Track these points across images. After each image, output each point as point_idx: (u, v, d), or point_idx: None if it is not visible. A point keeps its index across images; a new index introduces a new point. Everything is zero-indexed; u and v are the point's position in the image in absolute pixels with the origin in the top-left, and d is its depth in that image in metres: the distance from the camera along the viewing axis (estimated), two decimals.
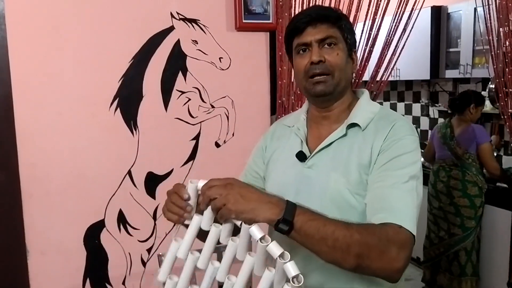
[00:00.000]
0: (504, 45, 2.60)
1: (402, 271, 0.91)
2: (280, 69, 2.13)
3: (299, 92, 2.16)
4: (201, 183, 0.99)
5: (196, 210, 1.01)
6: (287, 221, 0.87)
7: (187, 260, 0.99)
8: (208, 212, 0.97)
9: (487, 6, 2.60)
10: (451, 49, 3.79)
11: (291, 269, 0.80)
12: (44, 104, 1.86)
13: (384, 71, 2.29)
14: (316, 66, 1.09)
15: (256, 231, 0.86)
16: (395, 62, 2.29)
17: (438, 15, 3.79)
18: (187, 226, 1.01)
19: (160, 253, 1.85)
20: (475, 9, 3.49)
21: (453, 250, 3.06)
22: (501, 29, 2.64)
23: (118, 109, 1.96)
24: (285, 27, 1.23)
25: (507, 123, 2.60)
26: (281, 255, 0.82)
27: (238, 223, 0.92)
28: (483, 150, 2.99)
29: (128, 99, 1.97)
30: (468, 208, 3.01)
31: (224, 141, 2.13)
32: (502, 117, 2.64)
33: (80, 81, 1.90)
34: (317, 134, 1.18)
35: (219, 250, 1.53)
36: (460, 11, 3.67)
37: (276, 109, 2.17)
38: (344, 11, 2.07)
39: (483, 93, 3.45)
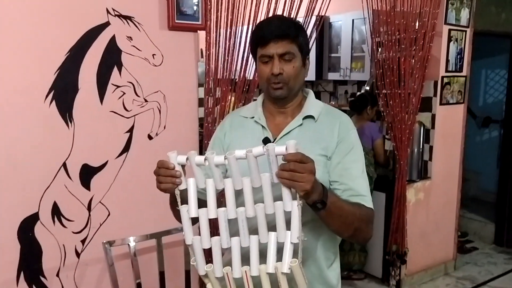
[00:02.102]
0: (381, 53, 3.14)
1: (370, 239, 1.35)
2: (207, 67, 2.32)
3: (224, 89, 2.38)
4: (181, 157, 1.18)
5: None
6: (324, 203, 1.16)
7: (200, 217, 1.18)
8: (198, 171, 1.17)
9: (370, 19, 3.09)
10: (332, 54, 4.33)
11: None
12: None
13: None
14: (276, 77, 1.33)
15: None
16: None
17: (322, 24, 4.28)
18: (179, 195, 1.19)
19: (104, 241, 1.93)
20: (353, 21, 4.06)
21: None
22: (377, 39, 3.18)
23: (54, 101, 1.96)
24: (251, 33, 1.43)
25: (386, 119, 3.14)
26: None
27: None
28: (376, 145, 3.53)
29: (63, 92, 1.98)
30: None
31: (156, 133, 2.25)
32: (382, 114, 3.17)
33: (15, 73, 1.87)
34: (274, 123, 1.42)
35: None
36: (340, 21, 4.22)
37: (204, 104, 2.36)
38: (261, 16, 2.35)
39: (357, 93, 4.03)
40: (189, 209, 1.18)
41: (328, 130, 1.36)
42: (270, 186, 1.13)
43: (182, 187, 1.18)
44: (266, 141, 1.37)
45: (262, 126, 1.41)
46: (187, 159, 1.17)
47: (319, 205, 1.16)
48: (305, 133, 1.37)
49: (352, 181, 1.33)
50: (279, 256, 1.15)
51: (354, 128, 1.41)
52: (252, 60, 2.43)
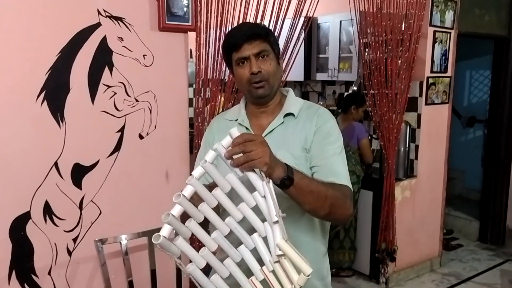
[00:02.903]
0: (369, 54, 3.20)
1: (352, 216, 1.29)
2: (197, 67, 2.36)
3: (214, 89, 2.42)
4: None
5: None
6: (290, 178, 1.15)
7: (207, 257, 1.16)
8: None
9: (357, 21, 3.15)
10: (320, 55, 4.38)
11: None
12: None
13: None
14: (256, 75, 1.37)
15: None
16: (292, 65, 2.68)
17: (310, 25, 4.33)
18: None
19: (96, 239, 1.96)
20: (340, 22, 4.12)
21: (335, 230, 3.61)
22: (364, 40, 3.24)
23: (45, 101, 1.98)
24: (222, 43, 1.45)
25: (374, 119, 3.20)
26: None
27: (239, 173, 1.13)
28: (362, 145, 3.59)
29: (55, 92, 2.00)
30: None
31: (147, 133, 2.27)
32: (370, 113, 3.23)
33: (6, 73, 1.88)
34: (258, 124, 1.47)
35: None
36: (328, 22, 4.28)
37: (194, 104, 2.40)
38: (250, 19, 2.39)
39: (345, 93, 4.10)
40: (196, 263, 1.15)
41: (308, 123, 1.41)
42: (239, 182, 1.14)
43: (178, 254, 1.15)
44: None
45: (246, 128, 1.45)
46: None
47: (287, 181, 1.15)
48: (287, 131, 1.41)
49: (326, 160, 1.34)
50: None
51: (332, 118, 1.44)
52: None
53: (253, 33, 1.36)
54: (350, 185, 1.33)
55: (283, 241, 1.07)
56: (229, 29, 2.38)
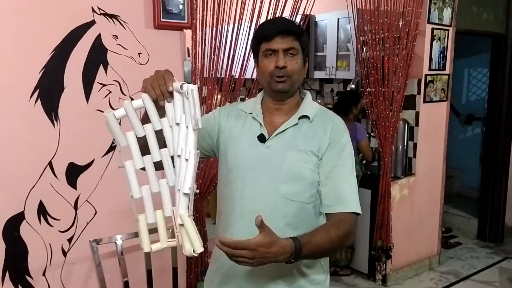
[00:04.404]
0: (366, 52, 3.18)
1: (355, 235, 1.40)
2: (193, 65, 2.34)
3: (210, 87, 2.40)
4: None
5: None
6: (297, 257, 1.22)
7: (147, 164, 1.24)
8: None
9: (354, 18, 3.13)
10: (318, 53, 4.36)
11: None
12: None
13: None
14: (280, 70, 1.36)
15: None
16: None
17: (308, 23, 4.31)
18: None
19: (91, 239, 1.93)
20: (338, 20, 4.09)
21: None
22: (362, 38, 3.22)
23: (39, 100, 1.96)
24: (254, 32, 1.47)
25: (371, 117, 3.18)
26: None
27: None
28: (362, 146, 3.57)
29: (49, 91, 1.98)
30: None
31: None
32: (367, 111, 3.21)
33: None
34: (271, 121, 1.45)
35: None
36: (325, 20, 4.25)
37: None
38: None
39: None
40: (135, 162, 1.21)
41: (321, 131, 1.41)
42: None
43: (123, 143, 1.21)
44: (261, 137, 1.42)
45: (260, 124, 1.44)
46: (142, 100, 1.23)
47: (293, 260, 1.22)
48: (299, 132, 1.41)
49: (337, 184, 1.37)
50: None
51: (346, 131, 1.44)
52: (238, 58, 2.47)
53: (287, 28, 1.36)
54: (357, 208, 1.36)
55: (186, 215, 1.14)
56: (225, 26, 2.37)
